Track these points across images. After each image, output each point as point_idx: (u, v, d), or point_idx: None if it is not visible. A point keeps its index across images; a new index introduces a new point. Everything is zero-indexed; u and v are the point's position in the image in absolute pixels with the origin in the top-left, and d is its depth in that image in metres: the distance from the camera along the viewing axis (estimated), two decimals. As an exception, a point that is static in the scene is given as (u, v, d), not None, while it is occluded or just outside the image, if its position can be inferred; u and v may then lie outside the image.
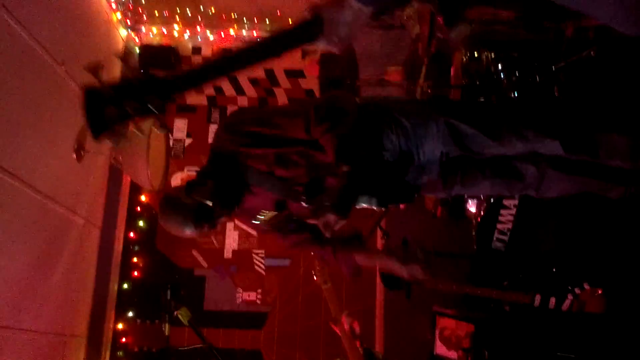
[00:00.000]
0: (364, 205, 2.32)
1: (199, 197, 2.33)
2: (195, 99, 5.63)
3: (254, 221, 2.53)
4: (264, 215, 2.49)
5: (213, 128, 5.53)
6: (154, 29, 5.65)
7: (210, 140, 5.49)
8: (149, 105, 1.35)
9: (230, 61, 1.55)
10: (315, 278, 3.49)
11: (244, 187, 2.39)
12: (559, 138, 2.26)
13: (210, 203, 2.32)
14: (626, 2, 1.45)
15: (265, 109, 2.66)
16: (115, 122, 1.35)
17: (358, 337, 3.35)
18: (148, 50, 5.54)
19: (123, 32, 5.58)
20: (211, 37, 5.68)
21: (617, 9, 1.45)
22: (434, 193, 2.52)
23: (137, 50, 5.54)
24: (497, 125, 2.32)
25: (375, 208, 2.29)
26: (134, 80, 1.36)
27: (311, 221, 2.41)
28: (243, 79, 5.68)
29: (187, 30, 5.67)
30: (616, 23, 1.49)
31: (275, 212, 2.46)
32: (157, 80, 1.38)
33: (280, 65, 5.70)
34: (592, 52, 3.11)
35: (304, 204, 2.32)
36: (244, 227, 5.35)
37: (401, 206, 2.34)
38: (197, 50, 5.70)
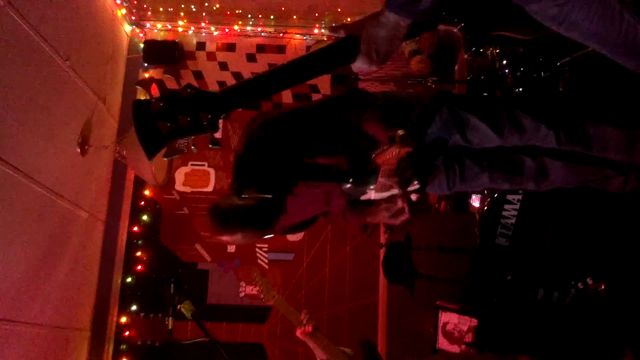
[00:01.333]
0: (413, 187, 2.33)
1: (255, 192, 2.27)
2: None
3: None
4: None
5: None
6: (159, 25, 5.66)
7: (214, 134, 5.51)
8: (204, 122, 1.29)
9: (274, 79, 1.50)
10: (261, 297, 3.55)
11: (290, 179, 2.36)
12: (553, 127, 2.28)
13: (269, 195, 2.24)
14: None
15: (298, 104, 2.70)
16: (170, 138, 1.28)
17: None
18: (152, 45, 5.55)
19: (128, 28, 5.59)
20: (215, 33, 5.69)
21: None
22: (439, 190, 2.53)
23: (142, 46, 5.54)
24: (496, 112, 2.34)
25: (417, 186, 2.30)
26: (185, 94, 1.30)
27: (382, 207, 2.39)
28: (247, 74, 5.68)
29: (192, 26, 5.68)
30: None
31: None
32: (208, 95, 1.33)
33: (284, 60, 5.69)
34: (596, 48, 3.10)
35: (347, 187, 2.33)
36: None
37: (413, 197, 2.32)
38: (201, 45, 5.71)
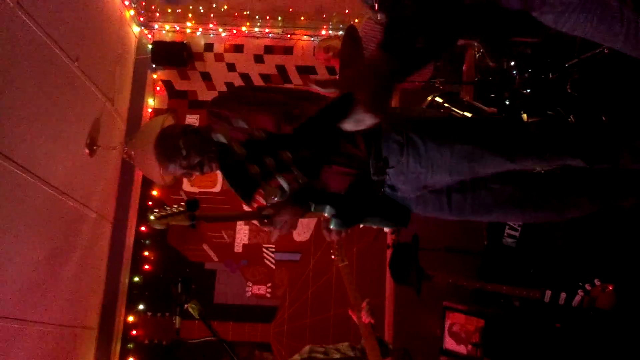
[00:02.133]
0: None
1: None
2: (207, 94, 5.66)
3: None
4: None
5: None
6: (167, 26, 5.69)
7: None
8: (284, 160, 1.29)
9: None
10: (333, 257, 3.49)
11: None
12: (580, 156, 2.20)
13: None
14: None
15: (270, 88, 2.60)
16: (263, 180, 1.28)
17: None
18: (161, 46, 5.57)
19: (136, 29, 5.62)
20: (223, 34, 5.71)
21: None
22: (438, 214, 2.42)
23: (150, 47, 5.57)
24: (518, 151, 2.22)
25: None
26: (259, 137, 1.30)
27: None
28: (255, 75, 5.70)
29: (200, 27, 5.70)
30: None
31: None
32: (280, 135, 1.32)
33: (292, 61, 5.73)
34: (605, 50, 3.10)
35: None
36: (254, 221, 5.39)
37: (385, 229, 2.27)
38: (209, 47, 5.73)
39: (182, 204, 1.84)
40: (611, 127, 2.37)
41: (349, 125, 1.46)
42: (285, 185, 1.28)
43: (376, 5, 1.67)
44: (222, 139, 1.41)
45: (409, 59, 1.45)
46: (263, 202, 1.92)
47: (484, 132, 2.28)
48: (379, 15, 1.66)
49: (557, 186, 2.35)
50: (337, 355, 3.39)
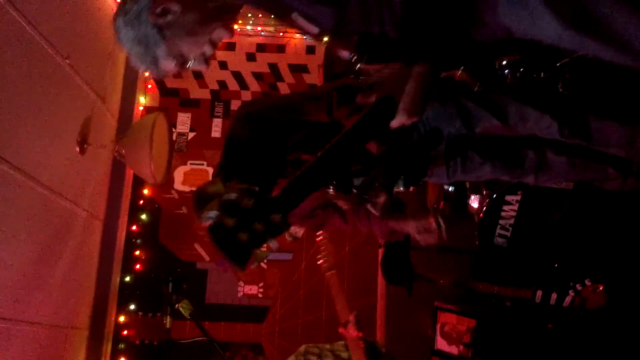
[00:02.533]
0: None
1: (238, 183, 2.26)
2: (198, 93, 5.64)
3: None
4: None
5: (216, 122, 5.54)
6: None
7: (213, 134, 5.52)
8: (275, 224, 1.32)
9: (327, 166, 1.52)
10: (320, 262, 3.45)
11: (278, 171, 2.36)
12: (557, 118, 2.27)
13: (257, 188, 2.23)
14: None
15: (283, 96, 2.66)
16: (254, 246, 1.31)
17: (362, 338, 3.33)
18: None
19: (127, 26, 5.58)
20: (215, 32, 5.68)
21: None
22: (437, 179, 2.51)
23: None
24: (500, 100, 2.32)
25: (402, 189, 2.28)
26: (248, 205, 1.33)
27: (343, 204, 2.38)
28: (247, 73, 5.68)
29: (192, 25, 5.67)
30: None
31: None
32: (270, 198, 1.36)
33: (284, 59, 5.71)
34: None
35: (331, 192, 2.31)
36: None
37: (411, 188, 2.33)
38: (201, 44, 5.70)
39: None
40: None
41: (394, 123, 1.58)
42: (275, 246, 1.34)
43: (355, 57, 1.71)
44: (213, 216, 1.44)
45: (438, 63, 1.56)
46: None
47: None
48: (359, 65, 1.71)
49: (539, 142, 2.40)
50: (330, 358, 3.38)
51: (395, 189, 2.32)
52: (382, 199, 2.01)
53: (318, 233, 3.23)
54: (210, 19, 1.74)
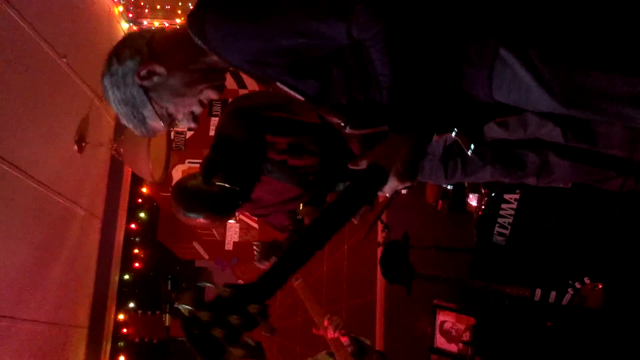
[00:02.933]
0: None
1: (225, 182, 2.26)
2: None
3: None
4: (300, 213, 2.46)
5: (214, 121, 5.53)
6: (156, 22, 5.64)
7: (211, 133, 5.51)
8: (253, 315, 1.23)
9: (307, 248, 1.48)
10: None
11: (258, 172, 2.35)
12: (560, 125, 2.26)
13: (237, 187, 2.24)
14: None
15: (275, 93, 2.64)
16: (229, 343, 1.25)
17: (345, 334, 3.31)
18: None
19: (125, 25, 5.58)
20: (213, 30, 5.67)
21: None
22: (435, 181, 2.51)
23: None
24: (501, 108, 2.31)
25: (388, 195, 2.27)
26: (226, 295, 1.28)
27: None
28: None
29: (189, 23, 5.65)
30: None
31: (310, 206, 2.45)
32: (247, 287, 1.31)
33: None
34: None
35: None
36: (244, 218, 5.37)
37: (403, 191, 2.33)
38: (198, 42, 5.68)
39: None
40: None
41: (387, 190, 1.63)
42: (252, 343, 1.28)
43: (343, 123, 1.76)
44: (187, 307, 1.41)
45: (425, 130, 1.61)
46: None
47: None
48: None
49: (541, 145, 2.39)
50: None
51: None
52: (362, 209, 2.00)
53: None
54: (198, 81, 1.71)
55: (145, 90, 1.67)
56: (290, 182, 2.34)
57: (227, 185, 2.23)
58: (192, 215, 2.28)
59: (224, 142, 2.40)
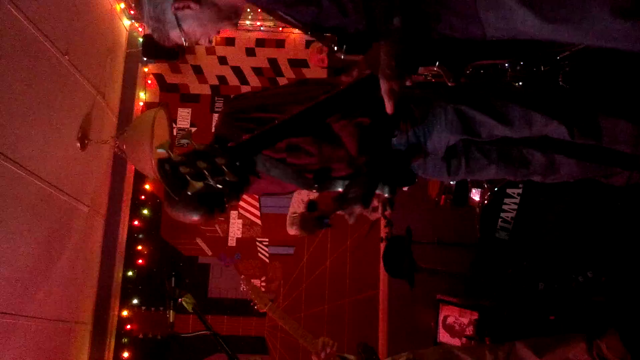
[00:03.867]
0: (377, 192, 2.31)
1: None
2: (198, 88, 5.64)
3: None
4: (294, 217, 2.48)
5: (217, 117, 5.54)
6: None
7: (214, 129, 5.52)
8: (220, 166, 1.44)
9: (293, 122, 1.67)
10: (256, 307, 3.63)
11: (251, 172, 2.37)
12: (565, 123, 2.26)
13: (220, 186, 2.27)
14: None
15: (271, 93, 2.64)
16: (194, 179, 1.45)
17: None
18: (151, 40, 5.44)
19: (126, 22, 5.58)
20: (214, 26, 5.66)
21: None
22: (438, 177, 2.52)
23: (141, 40, 5.53)
24: (505, 109, 2.30)
25: (386, 195, 2.29)
26: (200, 148, 1.46)
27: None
28: (247, 68, 5.68)
29: (191, 20, 5.65)
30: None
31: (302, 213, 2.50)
32: (218, 147, 1.48)
33: (284, 54, 5.71)
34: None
35: (314, 191, 2.34)
36: (247, 214, 5.38)
37: (404, 189, 2.36)
38: (200, 39, 5.68)
39: None
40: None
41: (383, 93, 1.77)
42: (213, 183, 1.45)
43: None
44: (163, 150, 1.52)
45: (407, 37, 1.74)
46: None
47: (471, 94, 2.38)
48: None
49: (546, 143, 2.39)
50: None
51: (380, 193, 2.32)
52: (357, 210, 2.03)
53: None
54: (222, 18, 2.02)
55: (176, 17, 1.96)
56: (288, 180, 2.35)
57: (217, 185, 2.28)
58: (176, 211, 2.34)
59: (218, 142, 2.42)
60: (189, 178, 1.43)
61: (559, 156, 2.40)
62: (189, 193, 1.47)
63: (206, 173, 1.44)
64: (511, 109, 2.32)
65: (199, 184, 1.45)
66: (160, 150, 1.49)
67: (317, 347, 3.34)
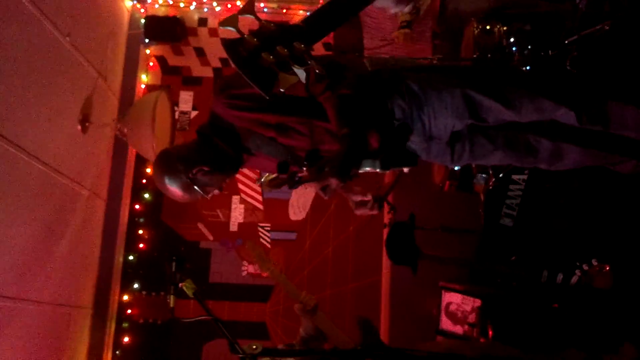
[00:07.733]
0: (367, 168, 2.27)
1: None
2: (201, 70, 5.59)
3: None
4: (264, 178, 2.50)
5: (219, 101, 5.50)
6: (160, 0, 5.58)
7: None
8: (299, 53, 1.22)
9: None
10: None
11: (242, 151, 2.37)
12: (574, 109, 2.23)
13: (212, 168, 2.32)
14: None
15: None
16: (281, 69, 1.21)
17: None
18: (154, 21, 5.47)
19: (128, 3, 5.52)
20: (218, 9, 5.61)
21: None
22: (441, 161, 2.50)
23: (143, 22, 5.47)
24: (513, 95, 2.27)
25: (378, 171, 2.25)
26: (269, 29, 1.23)
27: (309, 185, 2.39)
28: (249, 51, 5.62)
29: (193, 2, 5.60)
30: None
31: (276, 175, 2.43)
32: (292, 27, 1.28)
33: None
34: (606, 27, 3.05)
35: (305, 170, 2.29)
36: (249, 199, 5.36)
37: (405, 170, 2.32)
38: (203, 21, 5.63)
39: None
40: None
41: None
42: (302, 75, 1.22)
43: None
44: (230, 29, 1.35)
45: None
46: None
47: (479, 78, 2.35)
48: None
49: (554, 130, 2.35)
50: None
51: (369, 169, 2.27)
52: (333, 183, 1.97)
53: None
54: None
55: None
56: (280, 156, 2.32)
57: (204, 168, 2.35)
58: (162, 183, 2.37)
59: (214, 119, 2.42)
60: (279, 70, 1.18)
61: (564, 144, 2.37)
62: (282, 90, 1.25)
63: (291, 62, 1.21)
64: (519, 94, 2.29)
65: (293, 78, 1.23)
66: (228, 28, 1.23)
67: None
